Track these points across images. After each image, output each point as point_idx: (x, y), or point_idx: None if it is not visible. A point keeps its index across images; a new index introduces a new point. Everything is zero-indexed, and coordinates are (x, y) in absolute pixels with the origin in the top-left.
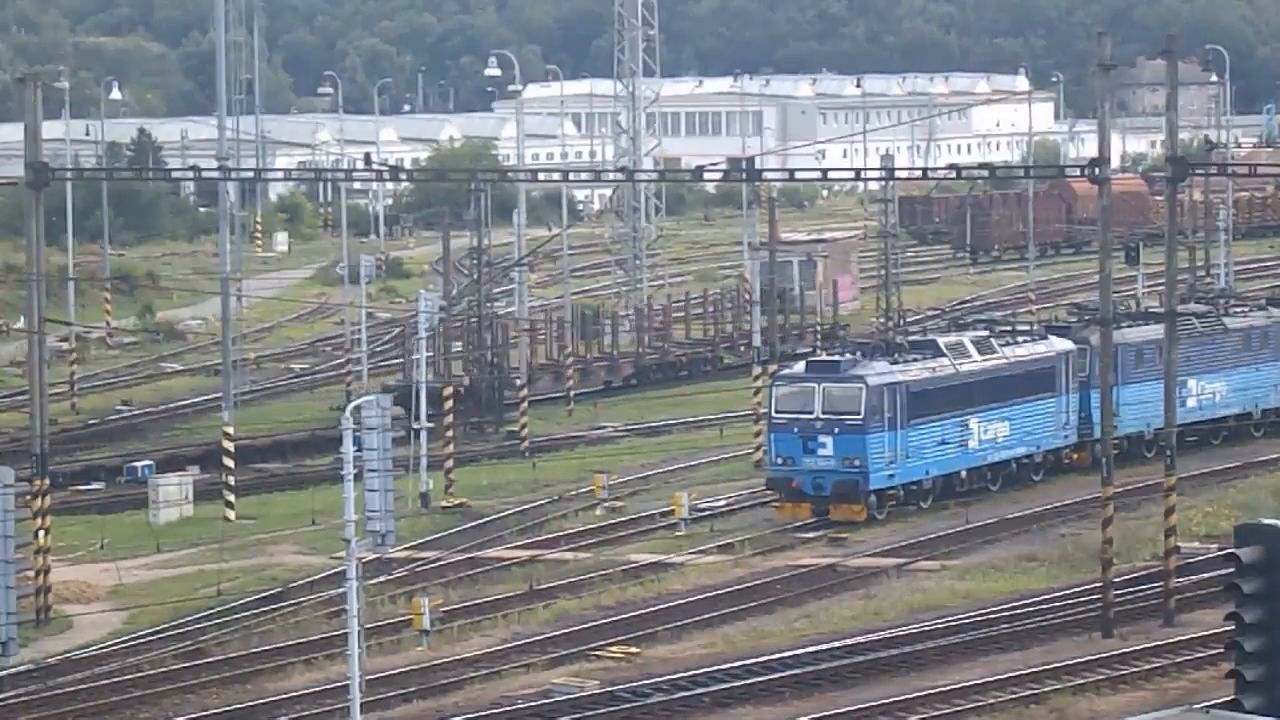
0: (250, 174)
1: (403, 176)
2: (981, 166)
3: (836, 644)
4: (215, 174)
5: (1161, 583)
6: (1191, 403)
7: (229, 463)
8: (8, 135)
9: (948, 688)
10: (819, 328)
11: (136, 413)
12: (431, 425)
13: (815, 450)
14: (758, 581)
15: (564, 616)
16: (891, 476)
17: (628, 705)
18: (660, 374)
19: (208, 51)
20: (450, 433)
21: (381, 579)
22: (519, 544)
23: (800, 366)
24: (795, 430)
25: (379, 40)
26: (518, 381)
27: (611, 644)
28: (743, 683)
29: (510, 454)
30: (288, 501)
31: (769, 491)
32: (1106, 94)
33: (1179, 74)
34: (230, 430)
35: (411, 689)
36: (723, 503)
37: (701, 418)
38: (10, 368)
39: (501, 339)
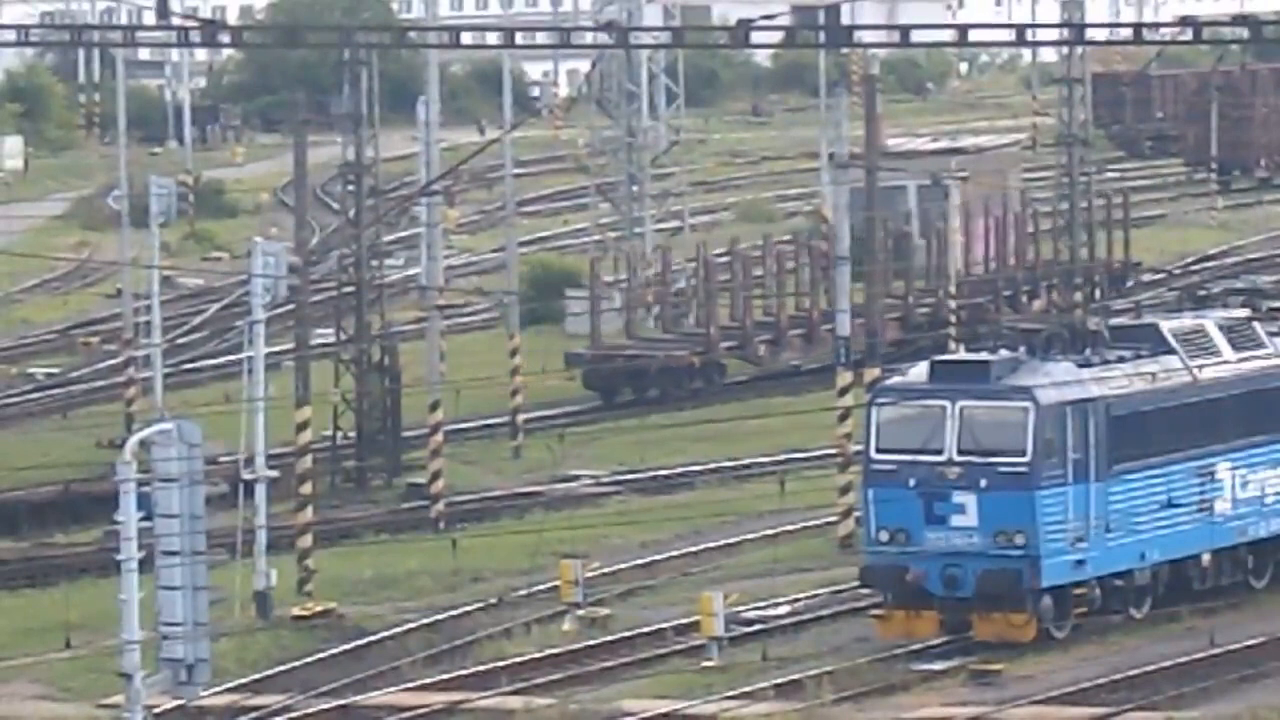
0: None
1: (225, 38)
2: (1238, 20)
3: None
4: None
5: None
6: None
7: None
8: None
9: None
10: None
11: None
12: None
13: (947, 517)
14: None
15: None
16: (1080, 564)
17: None
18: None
19: None
20: (307, 487)
21: None
22: (428, 682)
23: (920, 371)
24: (912, 483)
25: None
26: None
27: None
28: None
29: (413, 525)
30: (22, 608)
31: (866, 590)
32: None
33: None
34: None
35: None
36: (784, 609)
37: (746, 460)
38: None
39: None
